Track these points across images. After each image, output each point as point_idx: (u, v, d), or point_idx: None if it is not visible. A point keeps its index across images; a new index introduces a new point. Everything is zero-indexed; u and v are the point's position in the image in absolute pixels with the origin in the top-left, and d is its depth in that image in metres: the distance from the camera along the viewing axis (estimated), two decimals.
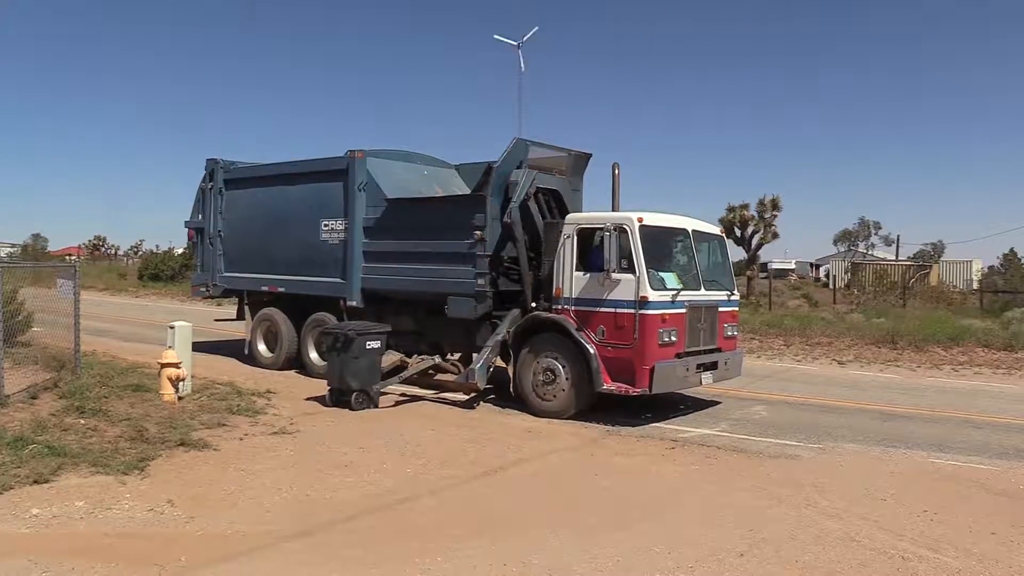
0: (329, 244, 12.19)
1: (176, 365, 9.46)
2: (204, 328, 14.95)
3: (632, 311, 9.15)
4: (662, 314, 9.19)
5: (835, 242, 76.61)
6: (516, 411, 10.06)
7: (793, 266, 58.01)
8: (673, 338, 9.30)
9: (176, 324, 10.09)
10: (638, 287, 9.12)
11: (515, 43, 37.29)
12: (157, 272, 40.41)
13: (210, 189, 14.15)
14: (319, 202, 12.31)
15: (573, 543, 5.40)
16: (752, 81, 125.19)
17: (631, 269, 9.22)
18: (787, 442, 8.77)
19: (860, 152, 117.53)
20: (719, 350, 10.25)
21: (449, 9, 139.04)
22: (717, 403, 10.98)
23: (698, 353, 9.78)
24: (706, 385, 10.31)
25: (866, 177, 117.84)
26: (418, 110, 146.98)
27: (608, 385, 9.32)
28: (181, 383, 9.60)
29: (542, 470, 7.47)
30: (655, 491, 6.85)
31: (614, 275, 9.21)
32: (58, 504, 5.82)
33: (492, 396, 10.84)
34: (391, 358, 10.90)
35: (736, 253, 28.56)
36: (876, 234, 73.98)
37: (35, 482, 6.23)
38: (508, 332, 10.17)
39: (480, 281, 10.26)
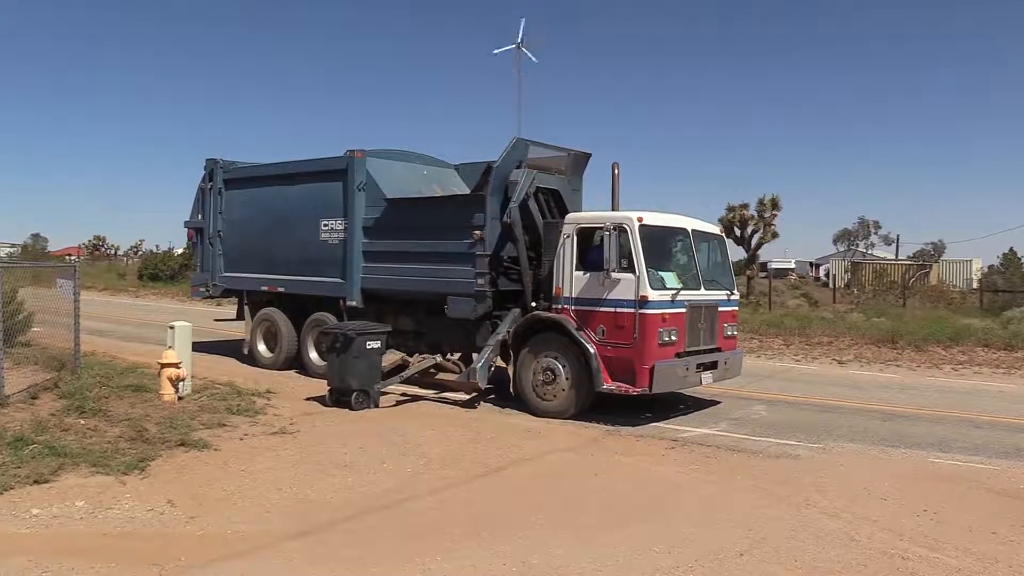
0: (329, 244, 12.19)
1: (176, 365, 9.46)
2: (204, 328, 14.95)
3: (632, 311, 9.15)
4: (662, 314, 9.19)
5: (835, 242, 76.77)
6: (516, 411, 10.06)
7: (793, 266, 57.87)
8: (673, 338, 9.30)
9: (176, 324, 10.09)
10: (638, 287, 9.12)
11: (514, 45, 37.32)
12: (157, 272, 40.40)
13: (210, 189, 14.15)
14: (319, 202, 12.31)
15: (573, 543, 5.40)
16: (752, 81, 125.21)
17: (631, 269, 9.22)
18: (787, 442, 8.77)
19: (860, 152, 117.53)
20: (719, 350, 10.25)
21: (449, 9, 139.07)
22: (717, 403, 10.99)
23: (698, 353, 9.78)
24: (706, 385, 10.31)
25: (866, 177, 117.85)
26: (418, 110, 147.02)
27: (608, 385, 9.32)
28: (181, 383, 9.60)
29: (542, 470, 7.47)
30: (655, 491, 6.85)
31: (614, 275, 9.21)
32: (58, 504, 5.82)
33: (492, 396, 10.84)
34: (392, 357, 10.90)
35: (736, 253, 28.60)
36: (876, 234, 74.09)
37: (35, 482, 6.24)
38: (508, 332, 10.17)
39: (480, 281, 10.26)
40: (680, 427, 9.43)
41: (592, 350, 9.37)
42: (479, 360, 10.09)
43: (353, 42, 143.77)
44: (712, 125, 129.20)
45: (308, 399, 10.37)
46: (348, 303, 11.82)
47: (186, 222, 14.84)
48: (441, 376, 10.99)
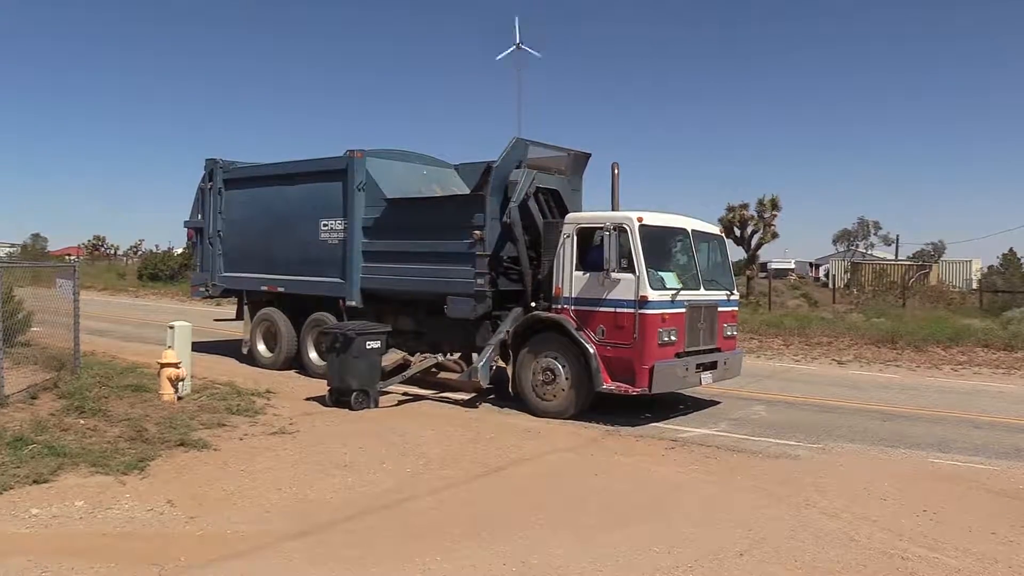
0: (328, 244, 12.19)
1: (176, 365, 9.46)
2: (204, 328, 14.95)
3: (632, 311, 9.15)
4: (662, 314, 9.19)
5: (834, 242, 76.75)
6: (516, 411, 10.06)
7: (792, 266, 57.90)
8: (673, 338, 9.30)
9: (176, 324, 10.09)
10: (638, 287, 9.12)
11: (514, 46, 37.30)
12: (156, 272, 40.39)
13: (209, 189, 14.14)
14: (318, 202, 12.31)
15: (573, 543, 5.40)
16: (752, 81, 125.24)
17: (631, 269, 9.22)
18: (787, 442, 8.77)
19: (860, 152, 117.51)
20: (719, 350, 10.25)
21: (449, 9, 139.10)
22: (717, 403, 10.99)
23: (698, 353, 9.78)
24: (706, 385, 10.31)
25: (866, 177, 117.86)
26: (418, 110, 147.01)
27: (608, 385, 9.32)
28: (181, 383, 9.60)
29: (542, 470, 7.47)
30: (655, 491, 6.85)
31: (614, 275, 9.21)
32: (58, 504, 5.82)
33: (492, 396, 10.84)
34: (394, 356, 10.89)
35: (736, 253, 28.60)
36: (875, 234, 74.07)
37: (35, 482, 6.23)
38: (508, 332, 10.17)
39: (479, 281, 10.26)
40: (680, 427, 9.43)
41: (592, 350, 9.37)
42: (481, 359, 10.09)
43: (353, 42, 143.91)
44: (712, 125, 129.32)
45: (308, 399, 10.36)
46: (348, 303, 11.82)
47: (186, 222, 14.84)
48: (443, 375, 10.98)
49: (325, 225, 12.21)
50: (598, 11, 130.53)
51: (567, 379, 9.63)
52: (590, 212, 10.65)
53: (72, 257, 53.62)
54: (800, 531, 5.74)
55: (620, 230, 9.29)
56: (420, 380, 11.10)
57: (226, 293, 14.51)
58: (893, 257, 56.46)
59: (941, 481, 7.30)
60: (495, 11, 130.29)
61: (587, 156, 11.85)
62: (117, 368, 11.09)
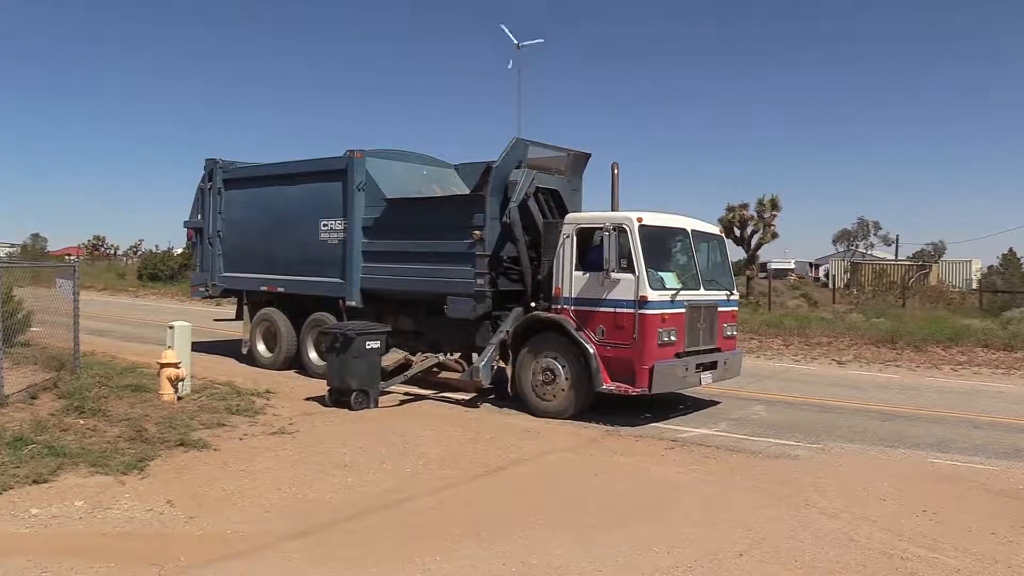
0: (328, 244, 12.19)
1: (175, 365, 9.46)
2: (203, 328, 14.95)
3: (632, 311, 9.16)
4: (661, 314, 9.19)
5: (834, 242, 76.75)
6: (516, 411, 10.06)
7: (792, 266, 57.94)
8: (672, 338, 9.30)
9: (175, 324, 10.09)
10: (638, 287, 9.13)
11: (516, 42, 37.28)
12: (156, 272, 40.40)
13: (209, 189, 14.15)
14: (318, 202, 12.31)
15: (572, 543, 5.40)
16: (752, 81, 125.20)
17: (631, 269, 9.22)
18: (786, 442, 8.78)
19: (860, 152, 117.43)
20: (718, 350, 10.26)
21: (449, 9, 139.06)
22: (716, 403, 10.99)
23: (697, 353, 9.78)
24: (705, 385, 10.31)
25: (866, 177, 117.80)
26: (418, 110, 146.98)
27: (608, 385, 9.32)
28: (180, 383, 9.60)
29: (541, 470, 7.47)
30: (654, 491, 6.85)
31: (614, 275, 9.22)
32: (57, 504, 5.82)
33: (492, 396, 10.84)
34: (395, 356, 10.89)
35: (735, 253, 28.62)
36: (875, 234, 74.08)
37: (34, 482, 6.23)
38: (507, 332, 10.17)
39: (479, 281, 10.26)
40: (679, 427, 9.43)
41: (591, 350, 9.37)
42: (482, 359, 10.09)
43: (353, 42, 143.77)
44: (712, 125, 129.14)
45: (308, 399, 10.36)
46: (348, 303, 11.82)
47: (186, 222, 14.84)
48: (444, 375, 10.98)
49: (325, 225, 12.22)
50: (598, 11, 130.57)
51: (567, 379, 9.63)
52: (590, 212, 10.65)
53: (72, 257, 53.62)
54: (800, 531, 5.74)
55: (620, 230, 9.29)
56: (420, 380, 11.11)
57: (226, 293, 14.52)
58: (893, 257, 56.49)
59: (941, 481, 7.30)
60: (495, 11, 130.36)
61: (587, 156, 11.86)
62: (117, 368, 11.09)
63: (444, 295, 10.66)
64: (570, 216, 10.29)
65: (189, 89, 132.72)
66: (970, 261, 47.95)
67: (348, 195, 11.80)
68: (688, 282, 9.76)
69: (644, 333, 9.07)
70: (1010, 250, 43.48)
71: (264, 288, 13.29)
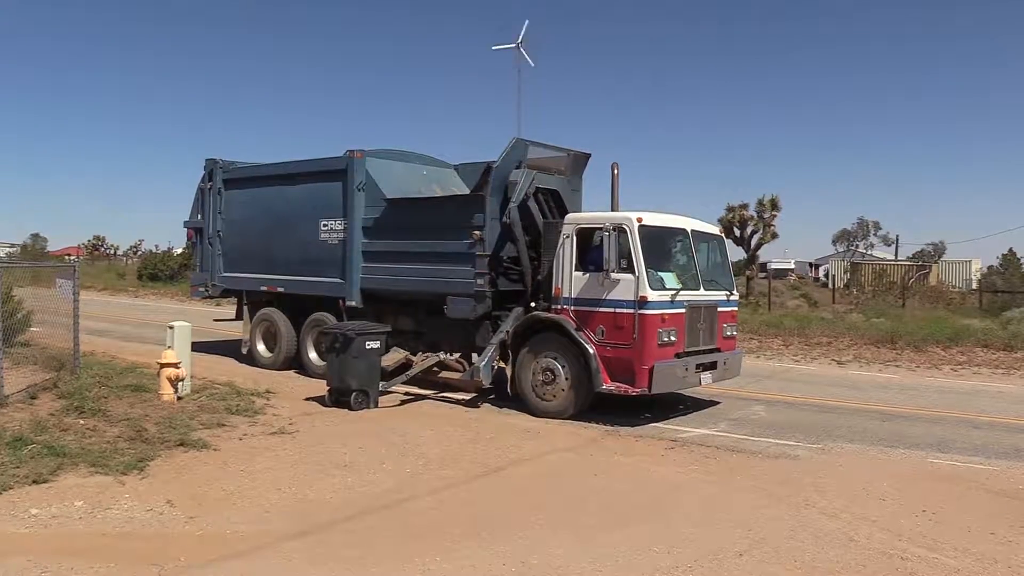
0: (328, 244, 12.19)
1: (175, 365, 9.46)
2: (203, 328, 14.95)
3: (631, 311, 9.15)
4: (661, 314, 9.19)
5: (834, 242, 76.76)
6: (515, 411, 10.06)
7: (792, 266, 57.96)
8: (672, 338, 9.30)
9: (175, 324, 10.09)
10: (637, 287, 9.12)
11: (513, 44, 37.28)
12: (156, 272, 40.40)
13: (209, 189, 14.14)
14: (318, 202, 12.31)
15: (573, 543, 5.40)
16: (752, 81, 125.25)
17: (630, 269, 9.22)
18: (786, 442, 8.78)
19: (860, 152, 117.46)
20: (718, 350, 10.26)
21: (449, 9, 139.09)
22: (716, 403, 10.99)
23: (697, 353, 9.78)
24: (705, 385, 10.31)
25: (866, 177, 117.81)
26: (418, 110, 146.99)
27: (607, 385, 9.32)
28: (180, 383, 9.60)
29: (541, 470, 7.47)
30: (654, 491, 6.85)
31: (613, 275, 9.22)
32: (57, 504, 5.82)
33: (492, 396, 10.84)
34: (396, 356, 10.88)
35: (735, 253, 28.62)
36: (875, 234, 74.10)
37: (34, 482, 6.23)
38: (508, 331, 10.17)
39: (479, 281, 10.26)
40: (679, 427, 9.43)
41: (591, 350, 9.37)
42: (483, 358, 10.10)
43: (353, 42, 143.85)
44: (712, 125, 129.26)
45: (307, 399, 10.36)
46: (348, 303, 11.82)
47: (185, 222, 14.84)
48: (444, 374, 10.98)
49: (325, 225, 12.22)
50: (597, 11, 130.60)
51: (567, 379, 9.63)
52: (590, 212, 10.65)
53: (72, 257, 53.63)
54: (799, 531, 5.74)
55: (620, 230, 9.29)
56: (421, 380, 11.10)
57: (226, 293, 14.52)
58: (893, 257, 56.48)
59: (940, 481, 7.30)
60: (495, 11, 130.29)
61: (587, 156, 11.85)
62: (117, 368, 11.09)
63: (444, 295, 10.66)
64: (570, 216, 10.29)
65: (189, 89, 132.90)
66: (970, 261, 47.95)
67: (348, 195, 11.80)
68: (688, 282, 9.76)
69: (644, 333, 9.07)
70: (1010, 250, 43.49)
71: (264, 288, 13.28)
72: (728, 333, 10.48)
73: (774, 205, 28.89)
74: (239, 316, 14.25)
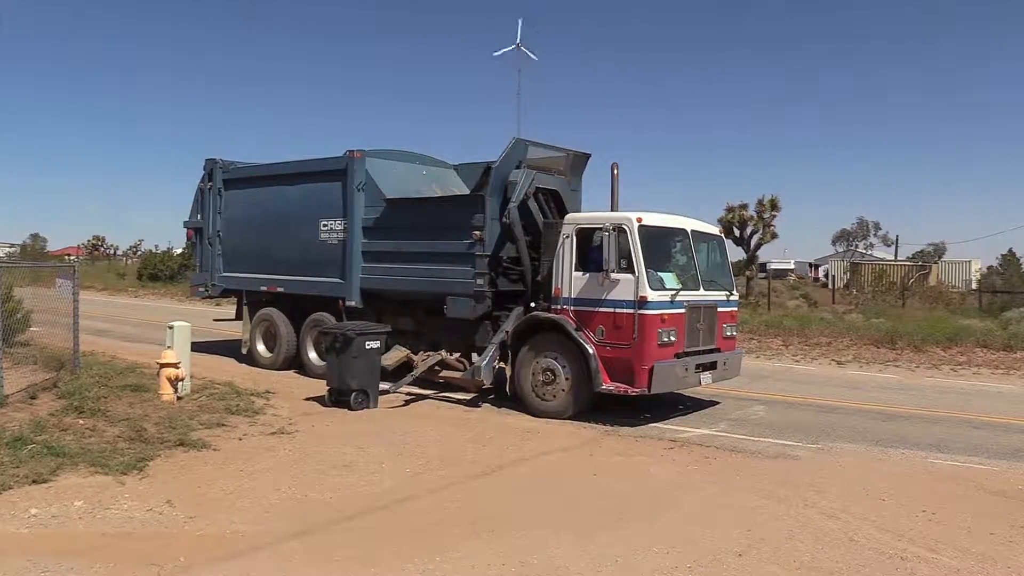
0: (328, 244, 12.19)
1: (175, 365, 9.46)
2: (203, 328, 14.95)
3: (631, 311, 9.16)
4: (661, 314, 9.19)
5: (834, 242, 76.70)
6: (515, 411, 10.06)
7: (792, 266, 57.96)
8: (672, 338, 9.30)
9: (175, 324, 10.09)
10: (637, 287, 9.13)
11: (513, 46, 37.29)
12: (156, 272, 40.44)
13: (209, 189, 14.14)
14: (318, 202, 12.31)
15: (572, 543, 5.40)
16: (751, 81, 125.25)
17: (630, 269, 9.22)
18: (786, 442, 8.78)
19: (860, 152, 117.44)
20: (718, 350, 10.26)
21: (449, 9, 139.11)
22: (716, 403, 10.99)
23: (697, 353, 9.78)
24: (705, 385, 10.31)
25: (866, 177, 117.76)
26: (418, 110, 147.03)
27: (607, 385, 9.32)
28: (180, 383, 9.60)
29: (541, 470, 7.47)
30: (654, 491, 6.85)
31: (613, 275, 9.22)
32: (57, 504, 5.82)
33: (492, 396, 10.85)
34: (397, 355, 10.86)
35: (735, 253, 28.63)
36: (875, 234, 74.03)
37: (34, 482, 6.23)
38: (508, 331, 10.17)
39: (479, 281, 10.26)
40: (679, 427, 9.43)
41: (591, 350, 9.37)
42: (484, 358, 10.10)
43: (353, 42, 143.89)
44: (712, 125, 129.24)
45: (307, 399, 10.36)
46: (347, 303, 11.82)
47: (185, 222, 14.84)
48: (445, 374, 10.97)
49: (325, 225, 12.22)
50: (597, 11, 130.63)
51: (567, 379, 9.63)
52: (589, 212, 10.65)
53: (72, 257, 53.67)
54: (799, 531, 5.74)
55: (619, 230, 9.29)
56: (421, 379, 11.08)
57: (226, 293, 14.53)
58: (893, 257, 56.46)
59: (940, 481, 7.30)
60: (495, 11, 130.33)
61: (587, 156, 11.85)
62: (116, 368, 11.10)
63: (444, 295, 10.66)
64: (570, 216, 10.29)
65: (189, 89, 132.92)
66: (969, 261, 47.96)
67: (348, 195, 11.80)
68: (688, 282, 9.76)
69: (644, 333, 9.08)
70: (1010, 250, 43.36)
71: (264, 288, 13.29)
72: (728, 333, 10.48)
73: (774, 205, 28.90)
74: (239, 316, 14.25)
